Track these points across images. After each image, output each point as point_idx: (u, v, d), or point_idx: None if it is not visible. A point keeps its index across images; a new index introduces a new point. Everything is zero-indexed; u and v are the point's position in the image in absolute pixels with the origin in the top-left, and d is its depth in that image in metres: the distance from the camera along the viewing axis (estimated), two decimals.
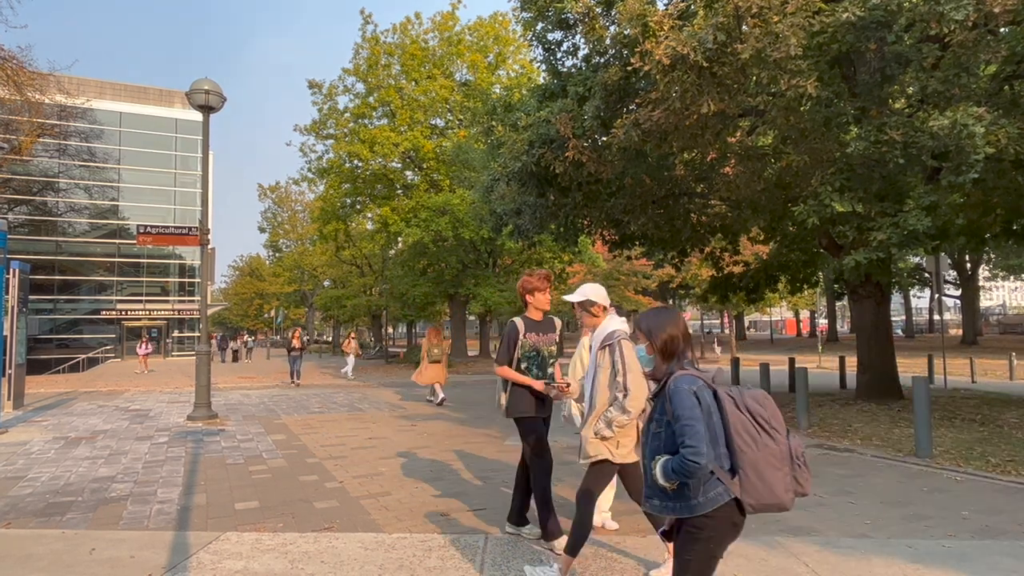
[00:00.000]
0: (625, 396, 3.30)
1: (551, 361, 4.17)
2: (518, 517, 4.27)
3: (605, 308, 3.65)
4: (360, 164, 26.15)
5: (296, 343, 18.41)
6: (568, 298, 3.81)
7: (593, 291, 3.65)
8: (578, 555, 3.44)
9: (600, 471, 3.47)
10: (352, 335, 21.99)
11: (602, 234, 13.33)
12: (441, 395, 12.58)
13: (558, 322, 4.36)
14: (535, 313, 4.18)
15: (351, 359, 21.05)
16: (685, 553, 2.21)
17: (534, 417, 4.07)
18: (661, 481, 2.17)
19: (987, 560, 3.81)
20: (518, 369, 4.08)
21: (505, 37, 26.74)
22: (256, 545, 4.13)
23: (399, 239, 26.51)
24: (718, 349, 32.18)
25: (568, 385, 3.94)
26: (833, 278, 11.72)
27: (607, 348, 3.42)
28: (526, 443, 4.09)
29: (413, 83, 26.12)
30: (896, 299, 48.20)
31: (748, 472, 2.12)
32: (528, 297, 4.15)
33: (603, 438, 3.38)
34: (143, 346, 28.44)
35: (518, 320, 4.15)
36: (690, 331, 2.44)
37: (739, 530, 2.22)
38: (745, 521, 2.22)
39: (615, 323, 3.53)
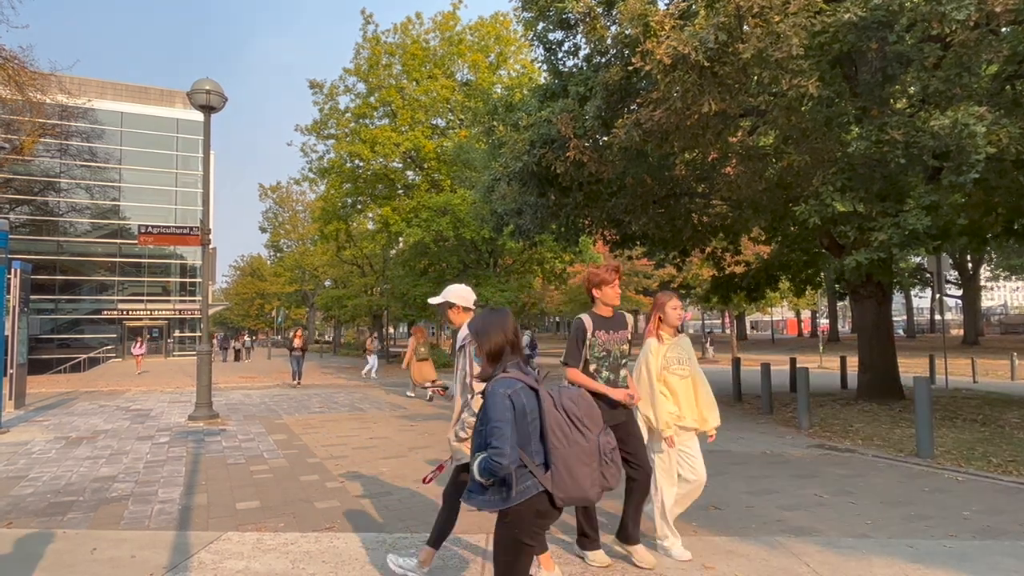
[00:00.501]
0: (472, 397, 3.31)
1: (623, 362, 3.77)
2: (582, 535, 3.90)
3: (466, 309, 3.59)
4: (361, 164, 26.17)
5: (298, 342, 18.40)
6: (431, 301, 3.81)
7: (455, 292, 3.62)
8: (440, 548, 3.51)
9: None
10: (374, 336, 22.12)
11: (603, 234, 13.33)
12: (413, 393, 13.77)
13: (629, 318, 3.94)
14: (604, 309, 3.79)
15: (373, 359, 20.91)
16: (497, 537, 2.39)
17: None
18: (478, 477, 2.29)
19: (988, 560, 3.81)
20: (586, 373, 3.69)
21: (506, 37, 26.73)
22: (257, 545, 4.13)
23: (400, 239, 26.52)
24: (711, 350, 32.01)
25: (445, 388, 3.79)
26: (834, 278, 11.69)
27: (461, 350, 3.44)
28: None
29: (414, 83, 26.12)
30: (897, 299, 48.15)
31: (559, 467, 2.25)
32: (595, 291, 3.77)
33: (460, 439, 3.39)
34: (138, 346, 28.41)
35: (585, 317, 3.76)
36: (519, 334, 2.52)
37: (548, 520, 2.35)
38: (559, 512, 2.36)
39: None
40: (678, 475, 3.85)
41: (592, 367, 3.68)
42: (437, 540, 3.48)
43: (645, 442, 3.83)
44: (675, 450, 3.81)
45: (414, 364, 13.43)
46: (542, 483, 2.25)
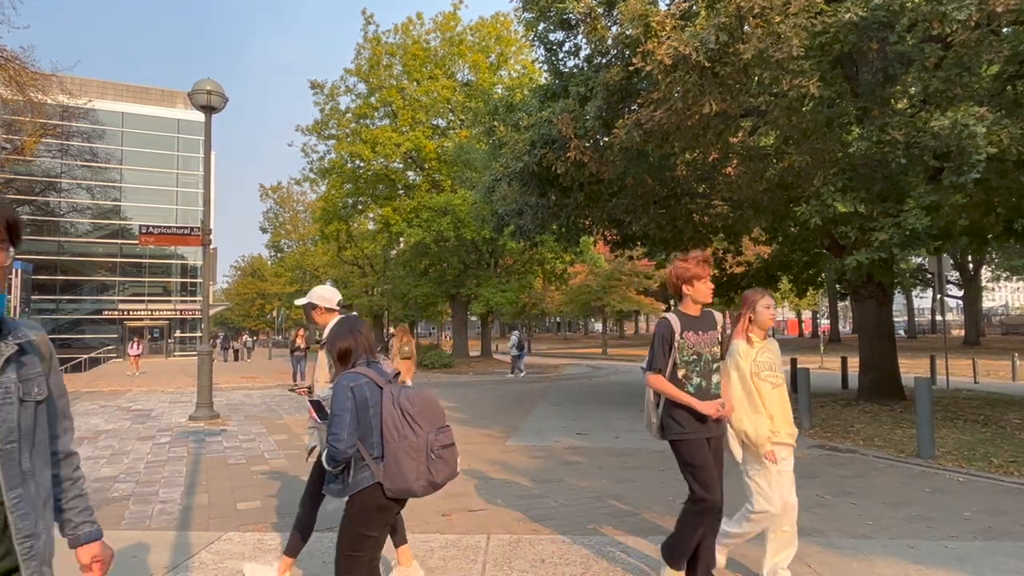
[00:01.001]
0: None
1: (715, 366, 3.31)
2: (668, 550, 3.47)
3: (329, 310, 3.66)
4: (362, 164, 26.19)
5: (300, 343, 18.11)
6: (296, 302, 3.89)
7: (318, 294, 3.69)
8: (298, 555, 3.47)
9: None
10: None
11: (604, 234, 13.34)
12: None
13: (718, 316, 3.45)
14: (692, 307, 3.33)
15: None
16: (341, 527, 2.59)
17: (698, 439, 3.21)
18: (327, 466, 2.50)
19: (989, 561, 3.80)
20: (674, 380, 3.24)
21: (507, 37, 26.75)
22: (258, 545, 4.14)
23: (401, 239, 26.54)
24: None
25: (309, 389, 3.71)
26: (835, 279, 11.69)
27: (326, 347, 3.51)
28: (687, 474, 3.24)
29: (415, 83, 26.14)
30: (898, 299, 48.11)
31: (389, 459, 2.43)
32: (686, 288, 3.30)
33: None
34: (134, 347, 27.91)
35: (672, 316, 3.31)
36: (371, 338, 2.73)
37: (389, 513, 2.53)
38: (401, 506, 2.58)
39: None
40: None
41: (681, 373, 3.24)
42: (295, 547, 3.45)
43: (738, 460, 3.47)
44: (775, 467, 3.35)
45: (397, 363, 14.13)
46: (376, 474, 2.43)
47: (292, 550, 3.44)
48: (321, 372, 3.53)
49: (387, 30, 26.93)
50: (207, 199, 11.48)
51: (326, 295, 3.67)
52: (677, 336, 3.24)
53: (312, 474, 3.51)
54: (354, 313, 3.68)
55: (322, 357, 3.54)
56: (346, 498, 2.51)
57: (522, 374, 21.29)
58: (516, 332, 23.70)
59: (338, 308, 3.68)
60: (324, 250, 40.67)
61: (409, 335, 15.39)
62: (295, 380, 17.65)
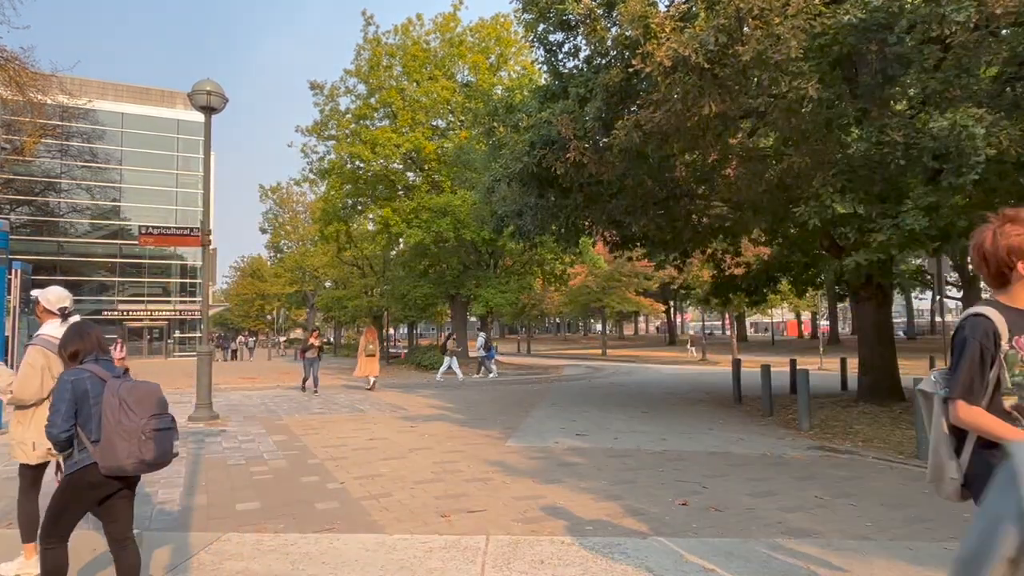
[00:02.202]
0: (11, 396, 3.54)
1: None
2: None
3: (47, 311, 3.75)
4: (361, 165, 26.17)
5: (315, 341, 16.06)
6: (32, 293, 4.04)
7: (44, 294, 3.80)
8: None
9: (23, 476, 3.64)
10: (453, 336, 22.25)
11: (603, 235, 13.33)
12: (373, 380, 15.73)
13: None
14: (1022, 297, 2.13)
15: (453, 360, 19.92)
16: (56, 492, 2.86)
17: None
18: (54, 449, 2.88)
19: None
20: (996, 413, 2.06)
21: (506, 38, 26.76)
22: (257, 546, 4.14)
23: (400, 240, 26.53)
24: (693, 351, 31.84)
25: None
26: (834, 280, 11.70)
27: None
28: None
29: (415, 84, 26.15)
30: (898, 300, 48.14)
31: (104, 441, 2.75)
32: (1022, 266, 2.08)
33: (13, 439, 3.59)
34: (118, 349, 26.67)
35: (991, 312, 2.09)
36: (100, 338, 3.07)
37: (99, 492, 2.84)
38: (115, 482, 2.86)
39: (45, 329, 3.70)
40: None
41: (1010, 402, 2.06)
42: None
43: None
44: None
45: (361, 359, 15.47)
46: (92, 455, 2.77)
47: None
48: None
49: (387, 31, 26.92)
50: (207, 199, 11.49)
51: (50, 297, 3.80)
52: (1004, 344, 2.05)
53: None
54: (79, 318, 3.83)
55: (32, 354, 3.54)
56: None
57: (491, 375, 21.30)
58: (483, 333, 23.77)
59: (58, 312, 3.76)
60: (323, 251, 40.69)
61: (375, 335, 16.82)
62: (315, 386, 15.59)
